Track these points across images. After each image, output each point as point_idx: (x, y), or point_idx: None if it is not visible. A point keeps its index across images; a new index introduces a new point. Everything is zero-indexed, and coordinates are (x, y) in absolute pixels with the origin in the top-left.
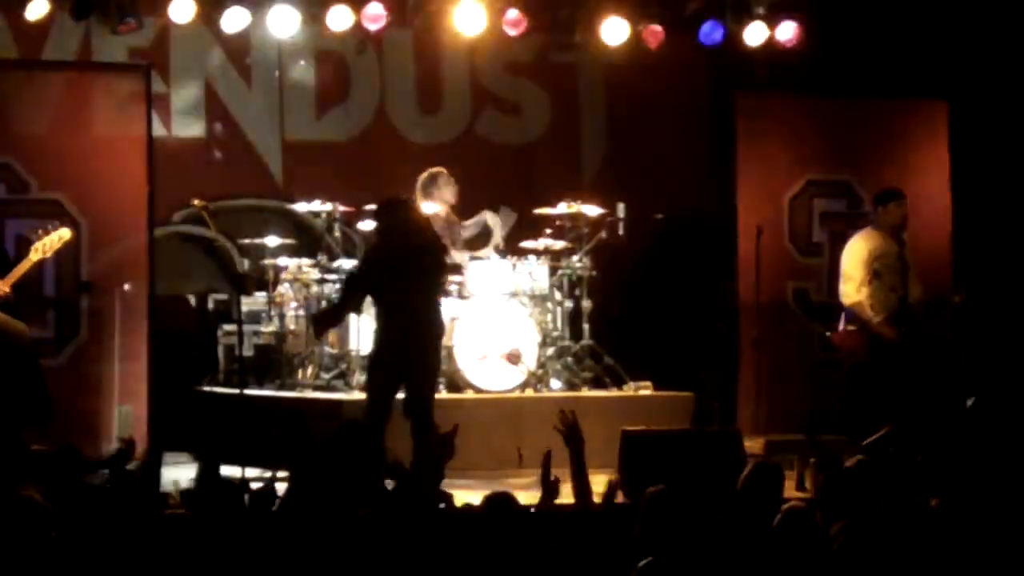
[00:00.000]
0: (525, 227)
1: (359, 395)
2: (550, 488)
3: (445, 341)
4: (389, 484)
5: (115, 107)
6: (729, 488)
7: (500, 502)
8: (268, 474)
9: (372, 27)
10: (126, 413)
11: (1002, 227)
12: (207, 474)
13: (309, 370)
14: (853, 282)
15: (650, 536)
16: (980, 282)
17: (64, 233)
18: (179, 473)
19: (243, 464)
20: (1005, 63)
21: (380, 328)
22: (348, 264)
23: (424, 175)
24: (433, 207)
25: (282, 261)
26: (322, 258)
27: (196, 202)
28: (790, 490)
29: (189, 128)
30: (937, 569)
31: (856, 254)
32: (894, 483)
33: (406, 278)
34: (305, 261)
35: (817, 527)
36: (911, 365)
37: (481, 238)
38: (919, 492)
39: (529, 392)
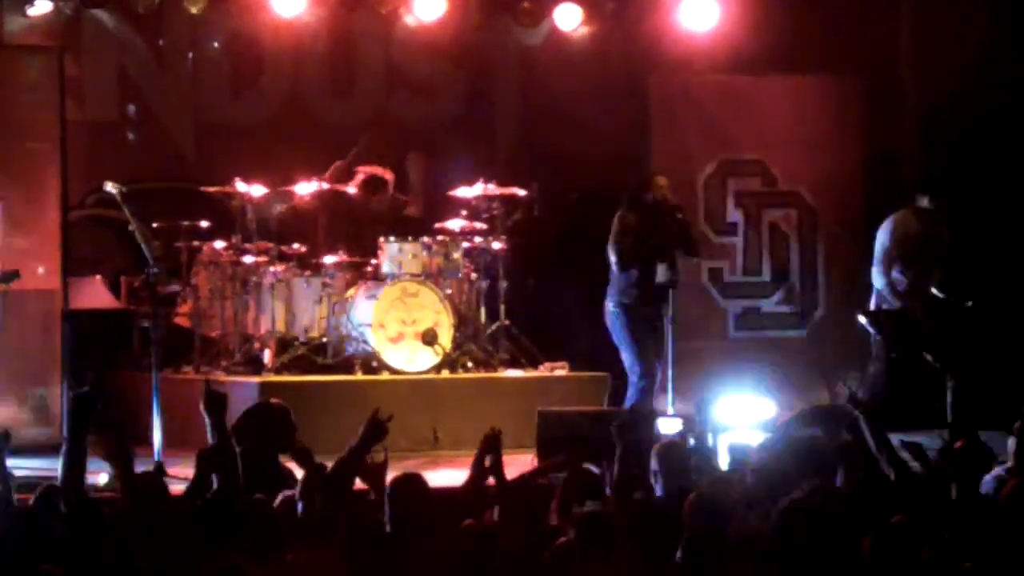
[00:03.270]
0: (439, 208)
1: (273, 377)
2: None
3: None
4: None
5: (27, 90)
6: (643, 467)
7: (407, 483)
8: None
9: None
10: (39, 396)
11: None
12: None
13: (223, 352)
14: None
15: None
16: None
17: None
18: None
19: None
20: (919, 41)
21: None
22: (262, 246)
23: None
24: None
25: (196, 243)
26: (236, 240)
27: (110, 185)
28: None
29: (102, 111)
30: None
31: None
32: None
33: None
34: (219, 244)
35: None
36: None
37: None
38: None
39: (445, 373)
